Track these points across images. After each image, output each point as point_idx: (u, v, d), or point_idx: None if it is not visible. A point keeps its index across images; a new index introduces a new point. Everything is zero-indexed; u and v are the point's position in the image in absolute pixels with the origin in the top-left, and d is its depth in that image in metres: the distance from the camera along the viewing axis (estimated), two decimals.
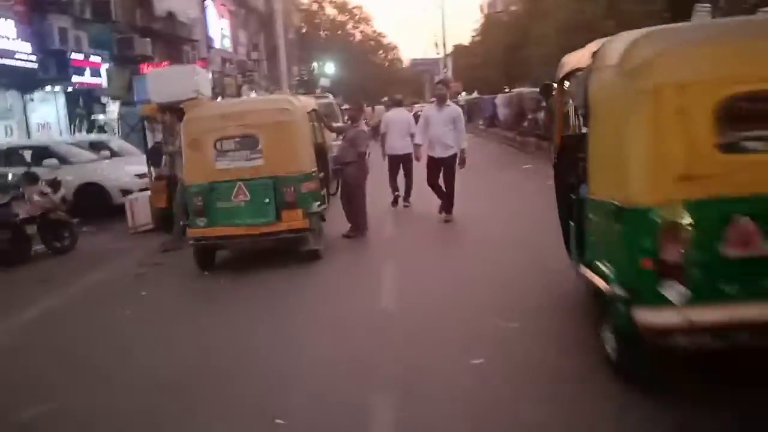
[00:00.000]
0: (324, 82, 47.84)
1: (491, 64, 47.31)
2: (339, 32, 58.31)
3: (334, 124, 11.55)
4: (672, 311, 3.49)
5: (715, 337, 3.54)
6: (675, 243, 3.49)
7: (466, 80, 49.56)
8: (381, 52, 64.40)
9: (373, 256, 8.42)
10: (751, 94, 3.65)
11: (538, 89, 17.39)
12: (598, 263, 4.25)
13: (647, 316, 3.56)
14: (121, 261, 9.22)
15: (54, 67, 19.67)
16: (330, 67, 48.06)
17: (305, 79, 44.79)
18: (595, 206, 4.34)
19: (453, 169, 9.83)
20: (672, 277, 3.49)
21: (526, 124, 18.41)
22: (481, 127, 27.80)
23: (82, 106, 22.92)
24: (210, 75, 32.93)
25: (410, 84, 62.58)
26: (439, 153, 9.83)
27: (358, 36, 61.72)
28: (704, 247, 3.53)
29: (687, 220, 3.49)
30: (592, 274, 4.33)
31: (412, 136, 10.66)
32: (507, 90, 28.36)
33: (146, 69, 25.74)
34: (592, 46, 4.45)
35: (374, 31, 63.59)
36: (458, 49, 59.65)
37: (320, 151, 9.13)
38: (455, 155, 9.75)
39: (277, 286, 7.12)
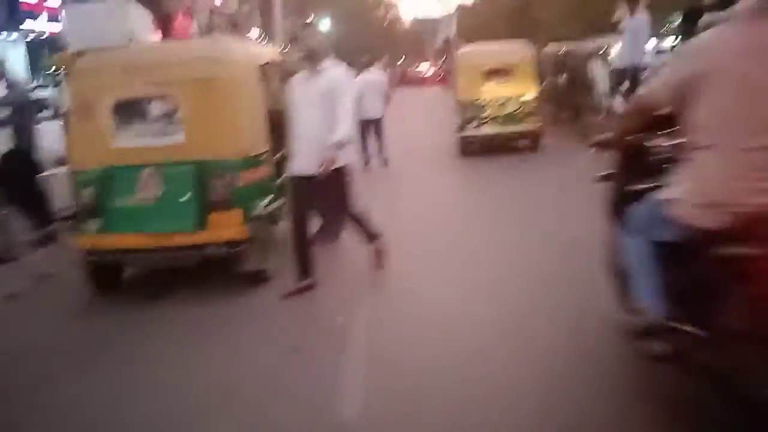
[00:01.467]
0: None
1: (497, 24, 44.31)
2: None
3: None
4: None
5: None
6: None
7: (471, 40, 46.44)
8: (381, 8, 60.74)
9: (345, 289, 5.77)
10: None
11: (556, 49, 14.64)
12: None
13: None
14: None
15: (1, 11, 16.84)
16: (325, 24, 44.68)
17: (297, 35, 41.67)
18: None
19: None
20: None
21: (543, 85, 15.67)
22: None
23: (48, 56, 20.11)
24: (195, 26, 30.20)
25: (411, 44, 59.22)
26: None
27: None
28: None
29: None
30: None
31: (385, 97, 11.25)
32: None
33: None
34: None
35: None
36: (463, 9, 56.40)
37: (280, 123, 6.55)
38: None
39: (189, 334, 4.63)
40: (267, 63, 6.22)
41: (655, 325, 2.97)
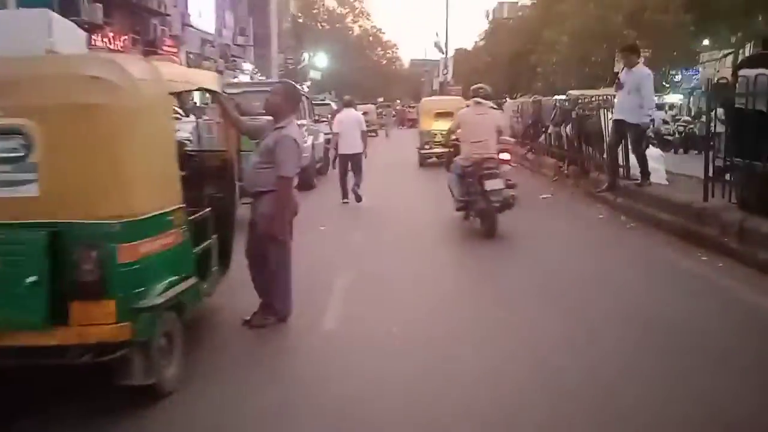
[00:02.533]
0: (314, 74, 43.45)
1: (495, 70, 43.46)
2: (337, 25, 53.90)
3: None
4: None
5: None
6: None
7: (467, 85, 45.49)
8: (379, 49, 60.05)
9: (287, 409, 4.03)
10: None
11: (562, 96, 13.13)
12: None
13: None
14: None
15: None
16: (322, 59, 43.62)
17: (291, 68, 40.23)
18: None
19: None
20: None
21: (542, 138, 14.10)
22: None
23: None
24: (183, 55, 28.84)
25: (409, 84, 58.44)
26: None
27: (357, 30, 57.35)
28: None
29: None
30: None
31: (362, 134, 11.02)
32: (516, 96, 24.20)
33: (98, 41, 21.50)
34: None
35: (374, 27, 59.28)
36: (460, 53, 55.76)
37: (209, 166, 4.93)
38: None
39: None
40: (182, 91, 4.53)
41: (460, 203, 8.27)
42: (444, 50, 41.68)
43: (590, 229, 8.62)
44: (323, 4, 55.30)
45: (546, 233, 8.47)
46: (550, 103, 13.41)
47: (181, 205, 4.03)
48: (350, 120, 11.13)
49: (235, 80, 25.27)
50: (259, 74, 38.70)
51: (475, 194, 7.80)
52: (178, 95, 4.52)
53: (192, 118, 9.53)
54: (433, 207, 10.12)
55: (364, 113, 14.29)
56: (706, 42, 32.98)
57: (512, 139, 10.73)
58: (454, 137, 8.70)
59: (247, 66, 37.55)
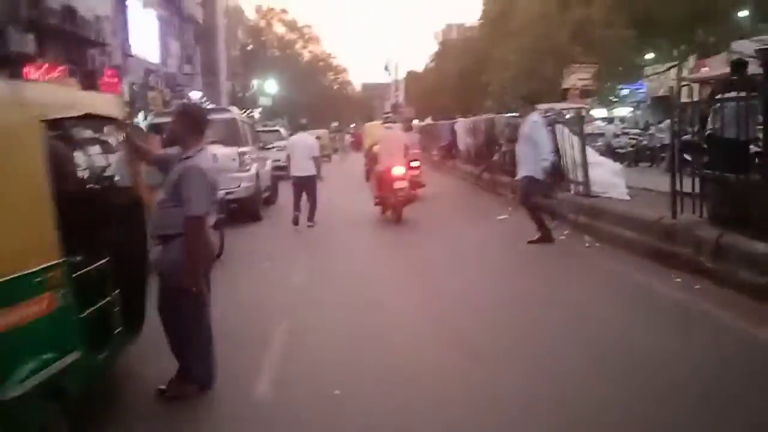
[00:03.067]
0: (264, 101, 42.58)
1: (446, 89, 43.38)
2: (287, 51, 53.19)
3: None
4: None
5: None
6: None
7: (418, 107, 45.26)
8: (331, 73, 59.56)
9: None
10: None
11: (515, 113, 12.59)
12: None
13: None
14: None
15: None
16: (272, 85, 42.80)
17: (239, 96, 39.20)
18: None
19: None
20: None
21: (496, 157, 13.53)
22: (435, 158, 22.97)
23: None
24: (125, 86, 27.68)
25: (361, 108, 57.99)
26: None
27: (307, 56, 56.74)
28: None
29: None
30: None
31: (314, 159, 10.93)
32: (468, 116, 23.79)
33: (32, 72, 20.30)
34: None
35: (323, 52, 58.76)
36: (411, 75, 55.71)
37: (114, 206, 4.12)
38: None
39: None
40: (59, 118, 3.67)
41: (377, 199, 10.94)
42: (391, 71, 41.34)
43: (552, 251, 7.98)
44: (272, 31, 54.62)
45: (503, 257, 7.82)
46: (503, 120, 12.88)
47: (58, 261, 3.18)
48: (302, 144, 11.15)
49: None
50: (208, 102, 37.66)
51: (387, 192, 10.53)
52: (56, 123, 3.67)
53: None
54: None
55: (317, 137, 13.49)
56: (650, 55, 33.41)
57: (417, 151, 14.00)
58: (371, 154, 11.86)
59: (195, 94, 36.48)
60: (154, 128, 11.32)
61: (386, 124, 11.77)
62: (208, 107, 15.45)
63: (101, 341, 3.69)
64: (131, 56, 28.21)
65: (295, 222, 10.61)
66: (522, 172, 8.20)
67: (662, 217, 6.97)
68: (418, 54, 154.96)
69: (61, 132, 4.53)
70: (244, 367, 4.50)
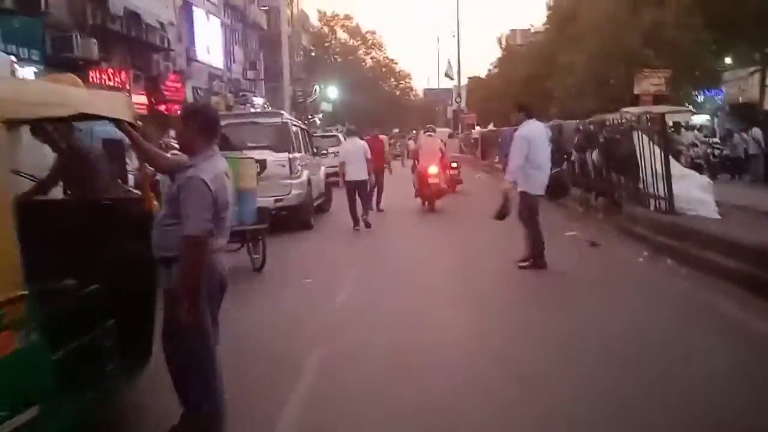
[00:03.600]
0: (326, 106, 42.30)
1: (509, 95, 41.95)
2: (350, 57, 52.96)
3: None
4: None
5: None
6: None
7: (480, 113, 44.13)
8: (392, 79, 58.98)
9: None
10: None
11: (586, 121, 11.52)
12: None
13: None
14: None
15: None
16: (333, 91, 42.42)
17: (300, 101, 38.92)
18: None
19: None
20: None
21: (565, 166, 12.46)
22: (498, 166, 21.88)
23: None
24: (189, 90, 27.78)
25: (422, 113, 57.11)
26: None
27: (370, 62, 56.37)
28: None
29: None
30: None
31: (367, 161, 11.16)
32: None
33: (96, 77, 20.44)
34: None
35: (386, 58, 58.23)
36: (474, 81, 54.44)
37: (120, 219, 3.48)
38: None
39: None
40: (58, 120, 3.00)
41: (416, 190, 13.31)
42: (453, 77, 40.36)
43: (629, 274, 6.97)
44: (335, 37, 54.52)
45: (574, 281, 6.85)
46: (572, 126, 11.80)
47: (18, 294, 2.51)
48: (355, 148, 11.35)
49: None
50: (271, 108, 37.70)
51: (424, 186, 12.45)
52: (35, 123, 3.04)
53: None
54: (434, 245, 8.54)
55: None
56: (728, 60, 31.28)
57: (457, 154, 19.65)
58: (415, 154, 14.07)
59: (258, 100, 36.49)
60: None
61: (428, 133, 14.31)
62: (259, 111, 14.98)
63: (87, 382, 3.03)
64: (196, 61, 28.29)
65: (356, 224, 10.91)
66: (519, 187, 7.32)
67: (764, 242, 5.89)
68: (480, 59, 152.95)
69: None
70: (270, 399, 3.79)
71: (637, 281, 6.69)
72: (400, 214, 13.05)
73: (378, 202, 13.00)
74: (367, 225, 10.89)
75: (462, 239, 9.80)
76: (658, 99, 29.36)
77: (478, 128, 36.09)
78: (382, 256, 8.60)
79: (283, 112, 11.81)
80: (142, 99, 23.23)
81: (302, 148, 11.71)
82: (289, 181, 10.61)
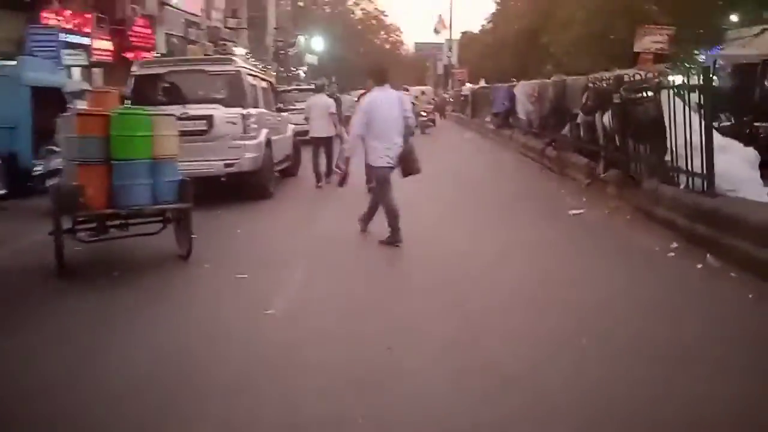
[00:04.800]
0: (311, 59, 39.74)
1: (502, 52, 39.78)
2: (339, 8, 50.01)
3: None
4: None
5: None
6: None
7: (472, 69, 41.85)
8: (383, 32, 56.04)
9: None
10: None
11: (599, 77, 9.59)
12: None
13: None
14: None
15: None
16: (318, 42, 39.71)
17: (282, 53, 36.15)
18: None
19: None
20: None
21: (567, 130, 10.62)
22: (490, 126, 20.00)
23: None
24: (161, 37, 25.43)
25: (413, 69, 54.59)
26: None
27: (359, 14, 53.40)
28: None
29: None
30: None
31: (331, 116, 10.67)
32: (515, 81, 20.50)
33: (51, 18, 18.16)
34: None
35: (376, 9, 55.18)
36: (467, 36, 51.99)
37: None
38: None
39: None
40: None
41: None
42: (440, 31, 37.98)
43: (655, 274, 5.26)
44: None
45: (582, 278, 5.15)
46: (580, 83, 9.89)
47: None
48: (320, 105, 10.75)
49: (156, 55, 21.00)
50: (253, 59, 35.31)
51: None
52: None
53: None
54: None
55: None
56: (734, 17, 29.18)
57: (429, 105, 24.92)
58: None
59: (240, 50, 34.05)
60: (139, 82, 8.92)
61: (405, 92, 13.65)
62: (208, 57, 12.99)
63: None
64: (168, 5, 25.85)
65: (318, 180, 10.56)
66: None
67: None
68: (475, 14, 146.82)
69: None
70: None
71: (665, 285, 4.97)
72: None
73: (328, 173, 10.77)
74: (327, 177, 10.52)
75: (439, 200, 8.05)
76: (659, 58, 27.44)
77: (469, 85, 33.87)
78: (343, 239, 6.83)
79: (235, 58, 9.80)
80: (107, 45, 21.03)
81: (262, 103, 9.80)
82: (242, 142, 8.76)
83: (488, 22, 48.15)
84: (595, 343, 3.84)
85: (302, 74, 37.44)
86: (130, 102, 8.75)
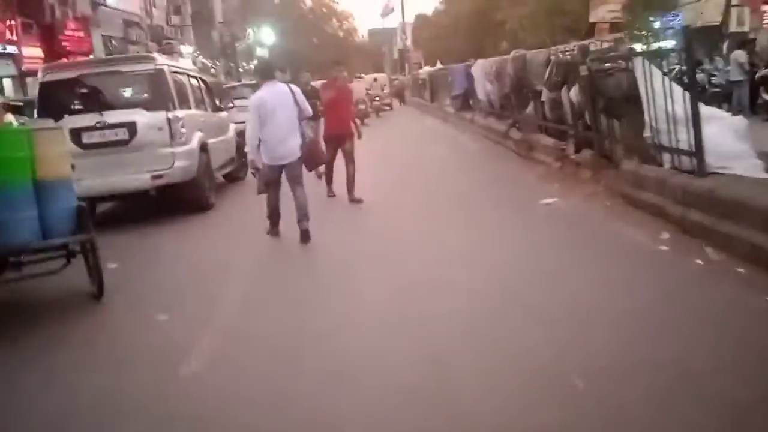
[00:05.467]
0: (261, 52, 38.28)
1: (457, 32, 38.94)
2: None
3: None
4: None
5: None
6: None
7: (428, 52, 40.96)
8: (334, 20, 54.62)
9: None
10: None
11: (561, 48, 8.73)
12: None
13: None
14: None
15: None
16: (268, 34, 38.23)
17: (229, 49, 34.21)
18: None
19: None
20: None
21: (530, 109, 9.77)
22: (449, 110, 19.11)
23: None
24: (98, 40, 23.90)
25: (368, 56, 53.40)
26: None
27: (309, 2, 51.82)
28: None
29: None
30: None
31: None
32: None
33: None
34: None
35: None
36: (421, 18, 51.00)
37: None
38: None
39: None
40: None
41: None
42: (387, 14, 36.99)
43: (648, 274, 4.43)
44: None
45: (559, 282, 4.30)
46: (541, 57, 9.00)
47: None
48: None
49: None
50: (201, 56, 33.86)
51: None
52: None
53: None
54: None
55: None
56: None
57: (385, 92, 27.32)
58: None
59: (186, 48, 32.61)
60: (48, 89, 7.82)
61: (357, 76, 15.59)
62: (123, 56, 11.83)
63: None
64: (103, 5, 24.30)
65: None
66: None
67: None
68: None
69: None
70: None
71: (658, 287, 4.14)
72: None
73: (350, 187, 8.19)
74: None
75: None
76: (615, 27, 26.88)
77: (427, 68, 32.97)
78: (285, 248, 5.89)
79: (155, 55, 8.53)
80: (37, 52, 19.52)
81: (193, 103, 8.73)
82: (171, 149, 7.70)
83: (440, 3, 47.29)
84: (584, 379, 2.97)
85: (253, 68, 36.05)
86: (36, 114, 7.64)
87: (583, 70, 7.07)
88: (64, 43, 20.50)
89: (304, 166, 6.47)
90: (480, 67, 13.69)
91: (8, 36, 18.01)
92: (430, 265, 5.07)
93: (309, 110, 6.54)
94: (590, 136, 7.28)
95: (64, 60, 16.90)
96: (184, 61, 32.28)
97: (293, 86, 6.57)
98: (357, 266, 5.35)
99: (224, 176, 10.09)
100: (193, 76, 9.32)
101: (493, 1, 31.98)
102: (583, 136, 7.58)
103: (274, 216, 6.40)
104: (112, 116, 7.53)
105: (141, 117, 7.60)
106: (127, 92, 7.93)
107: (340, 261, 5.57)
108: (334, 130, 8.17)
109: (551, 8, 26.72)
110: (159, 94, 7.74)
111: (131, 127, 7.54)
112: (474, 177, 9.19)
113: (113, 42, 25.47)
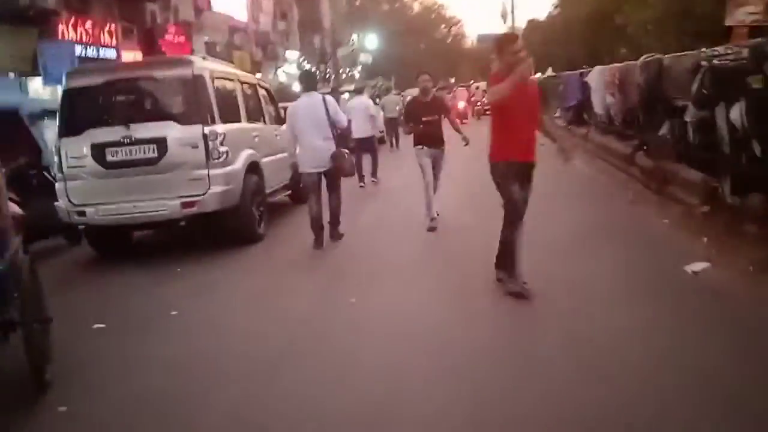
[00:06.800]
0: (364, 58, 37.03)
1: (571, 37, 36.04)
2: (396, 4, 47.14)
3: None
4: None
5: None
6: None
7: (539, 57, 38.21)
8: (443, 26, 52.64)
9: None
10: None
11: (717, 51, 6.39)
12: None
13: None
14: None
15: None
16: (371, 40, 36.76)
17: (328, 57, 32.43)
18: None
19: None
20: None
21: (665, 130, 7.44)
22: (559, 122, 16.72)
23: None
24: (200, 45, 23.50)
25: (477, 61, 51.04)
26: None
27: (417, 8, 50.29)
28: None
29: None
30: None
31: (371, 119, 11.04)
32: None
33: (66, 31, 16.40)
34: None
35: (435, 3, 51.74)
36: (532, 24, 48.21)
37: None
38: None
39: None
40: None
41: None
42: (507, 20, 34.67)
43: None
44: None
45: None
46: (686, 62, 6.70)
47: None
48: (360, 106, 11.04)
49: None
50: (306, 62, 33.16)
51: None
52: None
53: None
54: None
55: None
56: None
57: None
58: None
59: (292, 54, 32.02)
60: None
61: (460, 86, 14.98)
62: (153, 59, 10.53)
63: None
64: (204, 10, 23.90)
65: (361, 180, 10.65)
66: None
67: None
68: (541, 2, 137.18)
69: None
70: None
71: None
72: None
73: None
74: (374, 177, 10.87)
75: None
76: (754, 32, 23.30)
77: (538, 75, 30.48)
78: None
79: (194, 59, 6.95)
80: (136, 56, 19.21)
81: (244, 116, 7.24)
82: (206, 171, 6.22)
83: (555, 7, 44.35)
84: None
85: (357, 75, 34.96)
86: (57, 127, 6.41)
87: (755, 82, 4.82)
88: (164, 49, 20.11)
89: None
90: (598, 75, 11.37)
91: (107, 40, 17.71)
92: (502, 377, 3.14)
93: (343, 122, 6.60)
94: (759, 173, 5.00)
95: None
96: (288, 66, 31.75)
97: (328, 98, 6.57)
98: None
99: (289, 196, 8.65)
100: (248, 83, 7.83)
101: (614, 3, 29.00)
102: (747, 173, 5.28)
103: (315, 226, 6.42)
104: (140, 130, 6.16)
105: (172, 132, 6.18)
106: (160, 101, 6.52)
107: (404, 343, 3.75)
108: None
109: (680, 10, 23.56)
110: (195, 104, 6.28)
111: (161, 143, 6.14)
112: (584, 216, 6.95)
113: (216, 47, 25.11)
